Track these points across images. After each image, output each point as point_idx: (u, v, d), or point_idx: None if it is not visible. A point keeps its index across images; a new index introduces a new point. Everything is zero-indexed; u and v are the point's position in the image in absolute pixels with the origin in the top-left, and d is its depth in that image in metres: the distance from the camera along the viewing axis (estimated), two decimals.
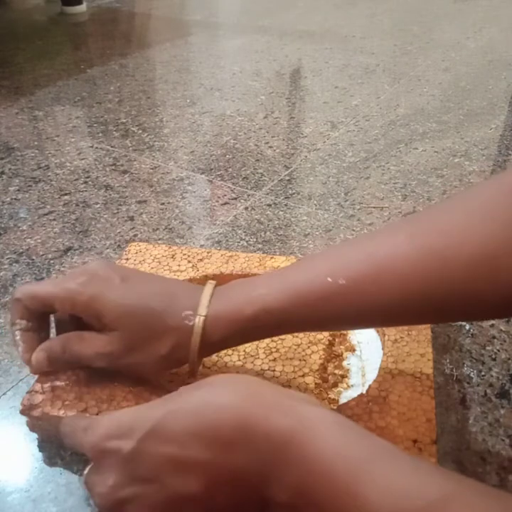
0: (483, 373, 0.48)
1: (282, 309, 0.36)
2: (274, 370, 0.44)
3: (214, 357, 0.45)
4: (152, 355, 0.37)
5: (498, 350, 0.51)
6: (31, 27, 1.70)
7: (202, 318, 0.36)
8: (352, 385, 0.44)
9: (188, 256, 0.54)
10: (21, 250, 0.66)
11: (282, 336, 0.46)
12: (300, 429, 0.27)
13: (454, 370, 0.48)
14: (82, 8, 1.78)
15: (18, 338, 0.39)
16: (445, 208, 0.35)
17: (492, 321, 0.54)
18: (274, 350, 0.45)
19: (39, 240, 0.68)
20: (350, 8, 1.79)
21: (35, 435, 0.43)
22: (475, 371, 0.49)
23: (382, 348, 0.45)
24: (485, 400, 0.46)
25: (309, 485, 0.26)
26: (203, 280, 0.45)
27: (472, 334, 0.52)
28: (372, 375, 0.43)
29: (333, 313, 0.35)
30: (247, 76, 1.23)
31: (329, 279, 0.34)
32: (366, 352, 0.46)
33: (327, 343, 0.46)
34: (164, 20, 1.79)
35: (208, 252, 0.55)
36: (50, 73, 1.26)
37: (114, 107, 1.08)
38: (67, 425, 0.35)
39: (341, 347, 0.46)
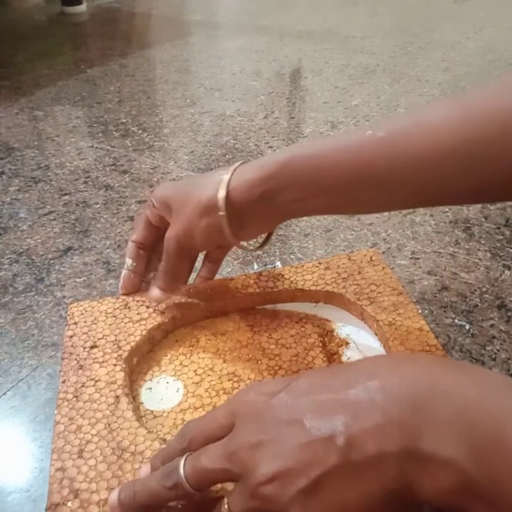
0: None
1: (313, 155, 0.37)
2: None
3: (226, 383, 0.42)
4: (194, 208, 0.41)
5: (498, 350, 0.51)
6: (31, 27, 1.70)
7: (231, 168, 0.40)
8: None
9: (144, 301, 0.47)
10: (21, 250, 0.66)
11: (276, 351, 0.44)
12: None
13: None
14: (82, 8, 1.78)
15: (124, 276, 0.47)
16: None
17: (492, 321, 0.54)
18: (276, 368, 0.43)
19: (39, 240, 0.68)
20: (350, 8, 1.79)
21: (35, 435, 0.43)
22: None
23: (376, 334, 0.44)
24: None
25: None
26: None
27: (472, 334, 0.52)
28: None
29: (364, 164, 0.36)
30: (247, 76, 1.23)
31: (369, 132, 0.36)
32: (360, 341, 0.45)
33: (321, 345, 0.45)
34: (164, 20, 1.79)
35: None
36: (50, 73, 1.26)
37: (114, 107, 1.08)
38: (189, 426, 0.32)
39: (332, 344, 0.45)
